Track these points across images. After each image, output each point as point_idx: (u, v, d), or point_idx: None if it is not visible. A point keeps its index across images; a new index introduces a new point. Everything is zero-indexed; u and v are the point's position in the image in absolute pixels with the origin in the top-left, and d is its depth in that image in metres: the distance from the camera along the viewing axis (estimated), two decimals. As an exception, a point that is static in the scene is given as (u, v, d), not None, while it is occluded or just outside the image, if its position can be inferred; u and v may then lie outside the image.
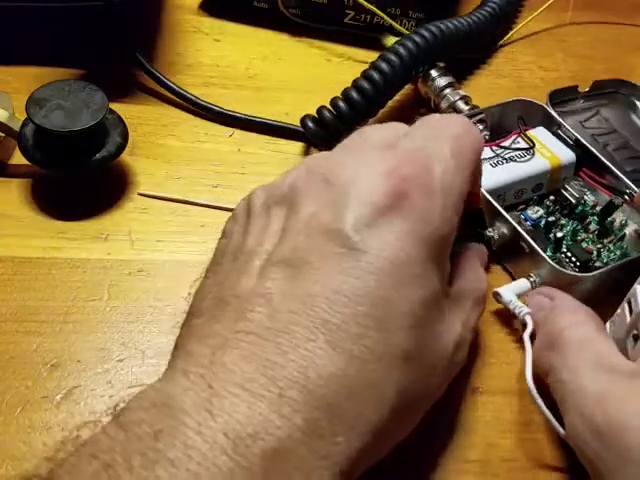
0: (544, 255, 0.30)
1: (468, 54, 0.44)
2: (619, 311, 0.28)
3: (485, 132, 0.36)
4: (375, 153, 0.24)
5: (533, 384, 0.26)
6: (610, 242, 0.33)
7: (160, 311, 0.30)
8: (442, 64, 0.40)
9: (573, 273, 0.30)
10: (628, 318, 0.27)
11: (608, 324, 0.30)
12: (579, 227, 0.33)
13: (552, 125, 0.37)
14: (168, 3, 0.47)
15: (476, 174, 0.28)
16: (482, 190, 0.32)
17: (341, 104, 0.36)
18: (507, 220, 0.31)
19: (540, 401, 0.25)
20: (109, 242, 0.32)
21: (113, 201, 0.34)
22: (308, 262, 0.21)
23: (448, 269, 0.25)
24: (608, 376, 0.24)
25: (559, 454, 0.27)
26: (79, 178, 0.35)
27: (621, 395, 0.23)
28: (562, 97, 0.39)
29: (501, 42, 0.47)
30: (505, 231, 0.31)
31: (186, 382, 0.19)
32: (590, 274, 0.30)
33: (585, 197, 0.35)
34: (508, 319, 0.31)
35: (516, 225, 0.31)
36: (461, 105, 0.38)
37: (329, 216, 0.22)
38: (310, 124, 0.37)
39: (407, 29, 0.44)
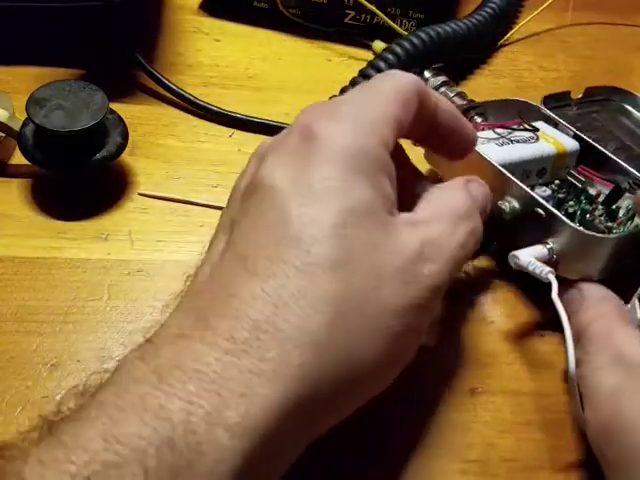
0: (563, 218, 0.29)
1: (468, 55, 0.44)
2: (629, 307, 0.28)
3: (483, 126, 0.36)
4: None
5: (573, 355, 0.26)
6: (620, 224, 0.32)
7: (160, 311, 0.30)
8: (436, 65, 0.40)
9: (593, 233, 0.29)
10: (639, 314, 0.27)
11: None
12: (588, 207, 0.33)
13: (549, 125, 0.36)
14: (168, 3, 0.47)
15: (426, 106, 0.26)
16: (491, 160, 0.31)
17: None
18: (520, 189, 0.30)
19: (575, 383, 0.26)
20: (109, 242, 0.32)
21: (113, 201, 0.34)
22: (236, 220, 0.23)
23: (388, 188, 0.23)
24: (625, 371, 0.24)
25: (559, 454, 0.27)
26: (79, 178, 0.35)
27: (634, 391, 0.23)
28: (555, 103, 0.39)
29: (501, 42, 0.47)
30: (516, 205, 0.30)
31: (136, 347, 0.20)
32: (611, 236, 0.29)
33: (587, 187, 0.34)
34: (508, 319, 0.31)
35: (528, 190, 0.30)
36: (458, 100, 0.38)
37: (248, 181, 0.24)
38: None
39: (407, 29, 0.44)
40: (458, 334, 0.30)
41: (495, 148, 0.33)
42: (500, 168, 0.31)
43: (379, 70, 0.37)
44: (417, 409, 0.28)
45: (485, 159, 0.32)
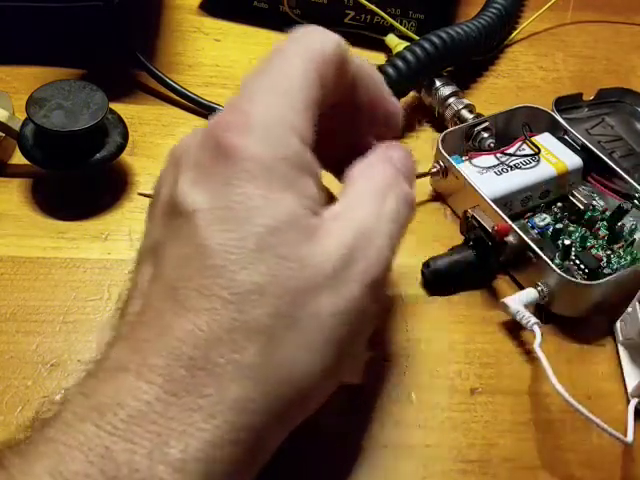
0: (551, 264, 0.29)
1: (475, 57, 0.43)
2: (630, 310, 0.28)
3: (490, 140, 0.35)
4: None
5: (563, 389, 0.26)
6: (620, 248, 0.32)
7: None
8: (446, 73, 0.39)
9: (581, 281, 0.29)
10: None
11: (619, 323, 0.30)
12: (588, 234, 0.33)
13: (558, 131, 0.36)
14: (168, 3, 0.47)
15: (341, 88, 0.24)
16: (487, 199, 0.31)
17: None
18: (514, 229, 0.31)
19: (577, 405, 0.25)
20: (109, 242, 0.32)
21: (113, 201, 0.34)
22: (161, 244, 0.22)
23: (312, 188, 0.22)
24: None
25: (559, 454, 0.27)
26: (79, 178, 0.35)
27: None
28: (567, 104, 0.38)
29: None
30: (512, 240, 0.31)
31: (78, 379, 0.20)
32: (598, 282, 0.29)
33: (594, 202, 0.34)
34: (508, 319, 0.31)
35: (523, 234, 0.30)
36: (465, 114, 0.37)
37: (167, 194, 0.22)
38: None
39: (407, 29, 0.44)
40: (457, 334, 0.30)
41: (493, 178, 0.34)
42: (494, 207, 0.31)
43: (388, 77, 0.36)
44: (417, 409, 0.28)
45: (480, 195, 0.32)
